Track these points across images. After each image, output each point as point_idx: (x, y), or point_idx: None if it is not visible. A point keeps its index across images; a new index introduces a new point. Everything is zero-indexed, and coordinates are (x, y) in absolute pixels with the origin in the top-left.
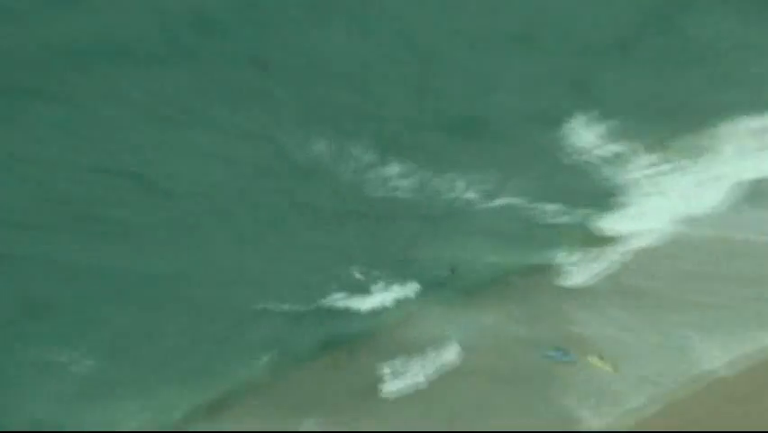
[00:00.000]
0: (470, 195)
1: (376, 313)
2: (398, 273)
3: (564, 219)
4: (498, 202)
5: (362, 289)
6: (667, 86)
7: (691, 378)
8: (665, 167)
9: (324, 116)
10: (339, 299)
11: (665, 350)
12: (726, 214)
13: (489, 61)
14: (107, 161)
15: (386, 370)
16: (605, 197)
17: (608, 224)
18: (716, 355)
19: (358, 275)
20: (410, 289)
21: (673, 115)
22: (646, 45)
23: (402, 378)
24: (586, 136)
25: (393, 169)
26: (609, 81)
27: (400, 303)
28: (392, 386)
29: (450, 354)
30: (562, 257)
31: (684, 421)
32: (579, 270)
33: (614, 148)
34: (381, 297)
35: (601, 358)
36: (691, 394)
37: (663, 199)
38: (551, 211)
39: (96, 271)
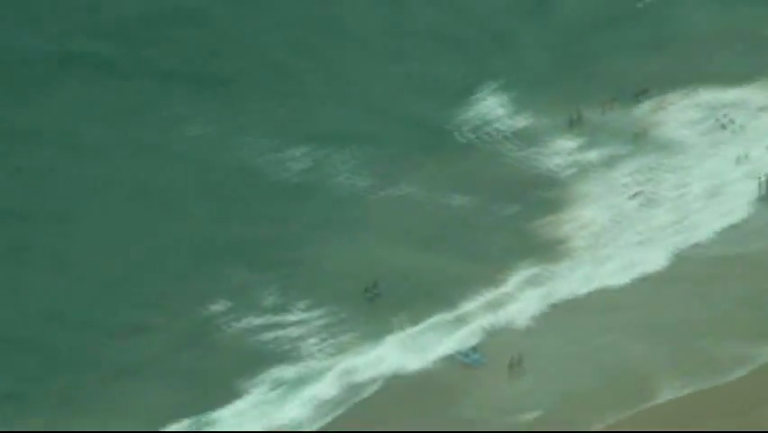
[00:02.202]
0: (362, 181)
1: None
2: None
3: (485, 220)
4: (396, 191)
5: None
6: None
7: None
8: (592, 152)
9: None
10: None
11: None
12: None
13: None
14: None
15: None
16: (529, 188)
17: (541, 227)
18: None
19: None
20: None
21: (591, 83)
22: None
23: None
24: (491, 108)
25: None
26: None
27: None
28: None
29: None
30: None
31: None
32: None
33: (524, 122)
34: None
35: None
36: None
37: (598, 196)
38: (464, 207)
39: None
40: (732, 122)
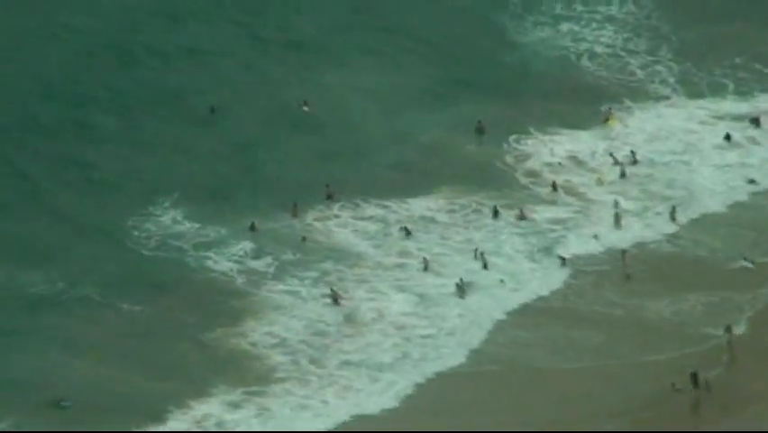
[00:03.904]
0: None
1: None
2: None
3: (168, 330)
4: (77, 299)
5: None
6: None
7: None
8: (271, 259)
9: None
10: None
11: None
12: None
13: None
14: None
15: None
16: (208, 297)
17: (226, 339)
18: None
19: None
20: None
21: (268, 192)
22: None
23: None
24: (168, 220)
25: None
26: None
27: None
28: None
29: None
30: None
31: None
32: None
33: (202, 232)
34: None
35: None
36: None
37: (287, 306)
38: (145, 316)
39: None
40: (410, 231)
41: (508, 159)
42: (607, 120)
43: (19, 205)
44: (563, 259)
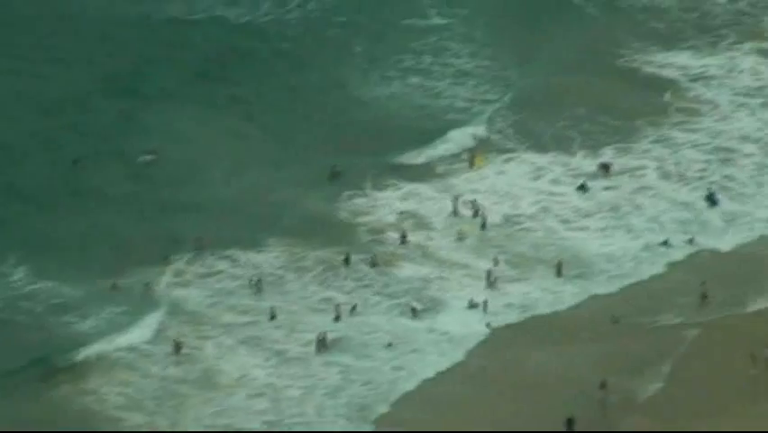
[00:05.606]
0: None
1: None
2: None
3: None
4: None
5: None
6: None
7: None
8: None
9: None
10: None
11: None
12: None
13: None
14: None
15: None
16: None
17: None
18: None
19: None
20: None
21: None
22: None
23: None
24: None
25: None
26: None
27: None
28: None
29: None
30: None
31: None
32: None
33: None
34: None
35: None
36: None
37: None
38: None
39: None
40: (260, 282)
41: (347, 214)
42: (473, 161)
43: None
44: (417, 311)
